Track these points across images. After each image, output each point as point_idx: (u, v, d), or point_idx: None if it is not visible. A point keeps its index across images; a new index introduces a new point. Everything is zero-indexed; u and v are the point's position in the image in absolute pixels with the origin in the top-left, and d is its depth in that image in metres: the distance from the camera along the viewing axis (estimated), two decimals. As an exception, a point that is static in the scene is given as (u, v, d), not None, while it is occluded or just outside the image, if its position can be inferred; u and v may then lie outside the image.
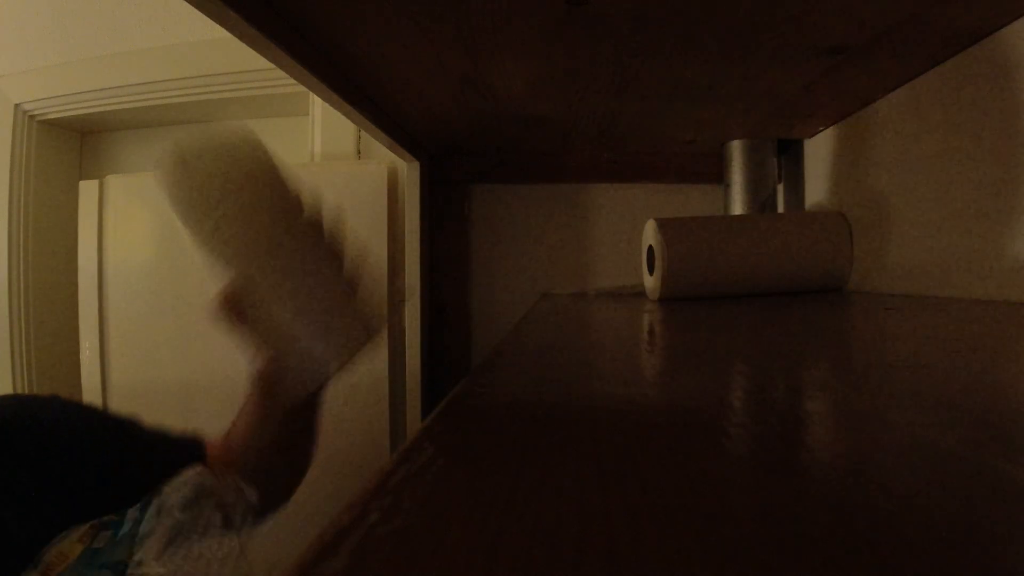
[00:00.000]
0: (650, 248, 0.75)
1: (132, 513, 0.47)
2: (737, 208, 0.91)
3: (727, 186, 0.93)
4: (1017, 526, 0.10)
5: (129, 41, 1.32)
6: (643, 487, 0.12)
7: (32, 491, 0.49)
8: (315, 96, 0.77)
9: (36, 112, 1.41)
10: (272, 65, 0.53)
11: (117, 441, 0.56)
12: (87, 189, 1.20)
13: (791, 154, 0.95)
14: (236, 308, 0.46)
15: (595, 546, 0.09)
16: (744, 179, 0.90)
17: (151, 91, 1.31)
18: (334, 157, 1.23)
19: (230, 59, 1.23)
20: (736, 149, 0.91)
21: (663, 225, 0.72)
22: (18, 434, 0.50)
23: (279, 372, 0.51)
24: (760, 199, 0.90)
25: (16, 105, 1.40)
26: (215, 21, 0.44)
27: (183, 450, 0.59)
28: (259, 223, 0.42)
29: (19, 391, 1.40)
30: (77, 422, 0.55)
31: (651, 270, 0.75)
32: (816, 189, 0.90)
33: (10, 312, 1.39)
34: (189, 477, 0.49)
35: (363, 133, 1.21)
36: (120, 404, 1.17)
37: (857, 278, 0.75)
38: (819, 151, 0.89)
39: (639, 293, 0.91)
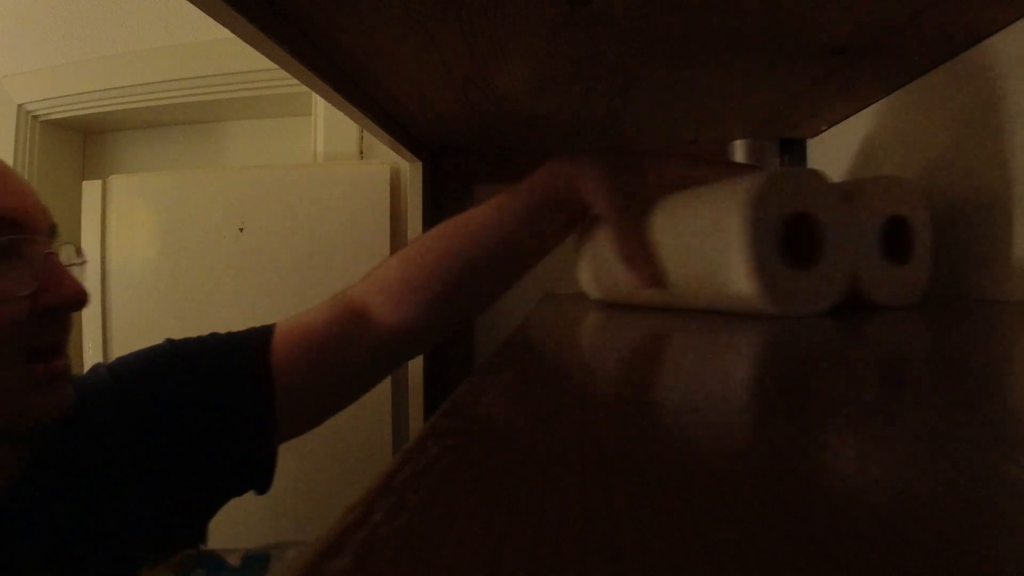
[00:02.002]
0: None
1: (233, 559, 0.46)
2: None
3: (730, 186, 0.93)
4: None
5: (132, 41, 1.33)
6: (647, 486, 0.12)
7: (119, 466, 0.48)
8: (317, 96, 0.77)
9: (39, 112, 1.41)
10: (275, 65, 0.53)
11: (172, 385, 0.53)
12: (90, 189, 1.20)
13: (794, 154, 0.95)
14: None
15: (599, 545, 0.09)
16: (747, 179, 0.90)
17: (154, 91, 1.32)
18: (336, 157, 1.23)
19: (233, 59, 1.23)
20: (739, 149, 0.91)
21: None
22: (92, 415, 0.49)
23: None
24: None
25: (19, 105, 1.41)
26: (218, 21, 0.44)
27: (250, 338, 0.56)
28: None
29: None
30: (127, 385, 0.53)
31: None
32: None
33: (13, 312, 1.39)
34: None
35: (365, 133, 1.21)
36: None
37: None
38: (822, 150, 0.88)
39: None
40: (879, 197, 0.48)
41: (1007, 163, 0.52)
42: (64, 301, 0.43)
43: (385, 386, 1.09)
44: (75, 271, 0.47)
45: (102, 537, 0.46)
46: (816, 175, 0.45)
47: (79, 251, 0.51)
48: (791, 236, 0.44)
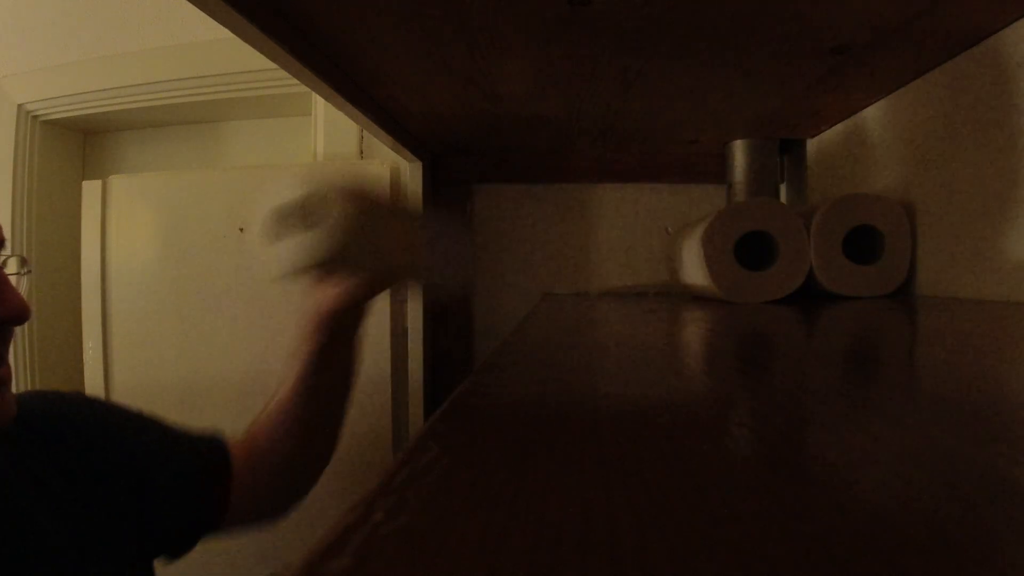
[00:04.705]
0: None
1: None
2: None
3: (729, 186, 0.93)
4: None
5: (132, 41, 1.33)
6: (646, 486, 0.12)
7: (62, 486, 0.49)
8: (318, 96, 0.77)
9: (39, 112, 1.41)
10: (275, 65, 0.53)
11: (143, 438, 0.57)
12: (90, 189, 1.20)
13: (794, 154, 0.95)
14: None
15: (599, 545, 0.09)
16: (747, 179, 0.90)
17: (154, 91, 1.32)
18: (337, 157, 1.23)
19: (233, 59, 1.23)
20: (739, 149, 0.91)
21: None
22: (48, 429, 0.51)
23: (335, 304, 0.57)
24: (763, 199, 0.89)
25: (19, 105, 1.40)
26: (218, 21, 0.44)
27: (206, 448, 0.60)
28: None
29: (22, 391, 1.40)
30: (104, 418, 0.57)
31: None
32: (818, 188, 0.90)
33: (13, 312, 1.39)
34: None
35: (366, 133, 1.21)
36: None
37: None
38: (822, 150, 0.88)
39: (640, 293, 0.91)
40: (843, 211, 0.61)
41: (1003, 164, 0.52)
42: (7, 315, 0.45)
43: (385, 386, 1.09)
44: (21, 281, 0.48)
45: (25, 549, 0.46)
46: (774, 202, 0.63)
47: (24, 261, 0.52)
48: (755, 246, 0.62)
